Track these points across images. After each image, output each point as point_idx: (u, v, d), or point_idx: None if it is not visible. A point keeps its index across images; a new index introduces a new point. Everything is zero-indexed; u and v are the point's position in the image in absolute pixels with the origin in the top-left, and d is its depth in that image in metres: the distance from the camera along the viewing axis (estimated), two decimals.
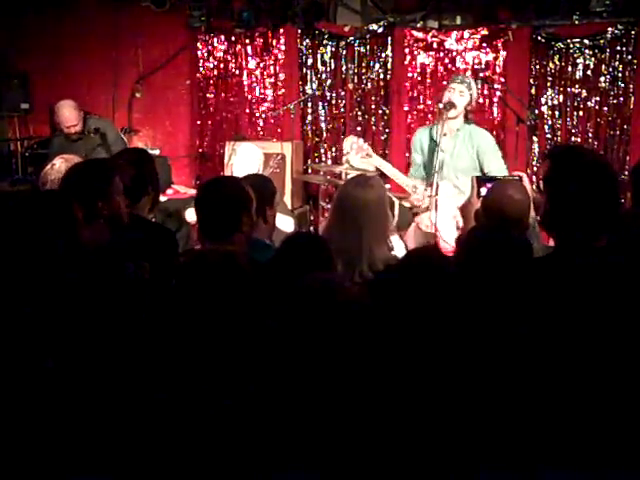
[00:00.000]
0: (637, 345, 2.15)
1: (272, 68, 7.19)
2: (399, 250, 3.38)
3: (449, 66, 6.74)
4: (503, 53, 6.63)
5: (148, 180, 3.45)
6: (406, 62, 6.81)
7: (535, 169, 6.55)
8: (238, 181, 3.18)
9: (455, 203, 4.70)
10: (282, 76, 7.16)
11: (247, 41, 7.18)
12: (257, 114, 7.29)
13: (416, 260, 2.24)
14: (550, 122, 6.63)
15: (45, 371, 2.20)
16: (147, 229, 3.30)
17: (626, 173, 6.33)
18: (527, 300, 2.26)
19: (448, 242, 4.39)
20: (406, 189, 4.98)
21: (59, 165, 3.57)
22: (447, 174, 4.94)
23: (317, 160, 7.13)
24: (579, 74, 6.52)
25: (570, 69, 6.54)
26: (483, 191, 3.41)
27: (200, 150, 7.47)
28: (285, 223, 4.76)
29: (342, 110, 7.10)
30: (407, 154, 6.75)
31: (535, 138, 6.61)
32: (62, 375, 2.19)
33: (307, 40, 7.04)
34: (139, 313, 2.43)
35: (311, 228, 6.80)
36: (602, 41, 6.37)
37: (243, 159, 5.17)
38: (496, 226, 2.98)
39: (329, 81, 7.03)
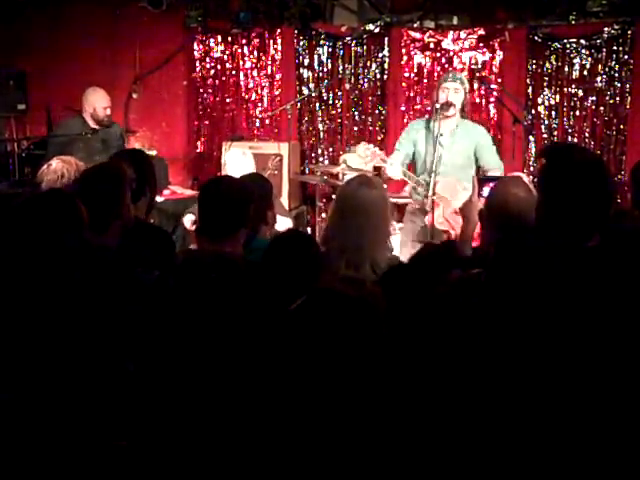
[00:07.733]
0: (626, 344, 2.15)
1: (269, 68, 7.19)
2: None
3: (446, 66, 6.74)
4: (500, 53, 6.65)
5: (146, 181, 3.45)
6: (403, 62, 6.82)
7: (532, 169, 6.56)
8: (240, 179, 3.20)
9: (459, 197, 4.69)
10: (279, 76, 7.17)
11: (244, 41, 7.18)
12: (254, 115, 7.30)
13: (433, 258, 2.21)
14: (547, 122, 6.64)
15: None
16: (147, 232, 3.30)
17: (622, 173, 6.36)
18: (522, 298, 2.25)
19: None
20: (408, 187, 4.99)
21: (55, 165, 3.55)
22: (444, 170, 4.94)
23: (314, 161, 7.13)
24: (576, 74, 6.53)
25: (567, 69, 6.54)
26: (486, 191, 3.36)
27: (197, 151, 7.47)
28: (283, 224, 4.77)
29: (339, 110, 7.11)
30: None
31: (532, 138, 6.61)
32: (61, 374, 2.19)
33: (304, 40, 7.05)
34: (143, 316, 2.43)
35: (308, 228, 6.81)
36: (599, 41, 6.38)
37: (235, 165, 5.18)
38: (500, 225, 2.94)
39: (326, 81, 7.03)
